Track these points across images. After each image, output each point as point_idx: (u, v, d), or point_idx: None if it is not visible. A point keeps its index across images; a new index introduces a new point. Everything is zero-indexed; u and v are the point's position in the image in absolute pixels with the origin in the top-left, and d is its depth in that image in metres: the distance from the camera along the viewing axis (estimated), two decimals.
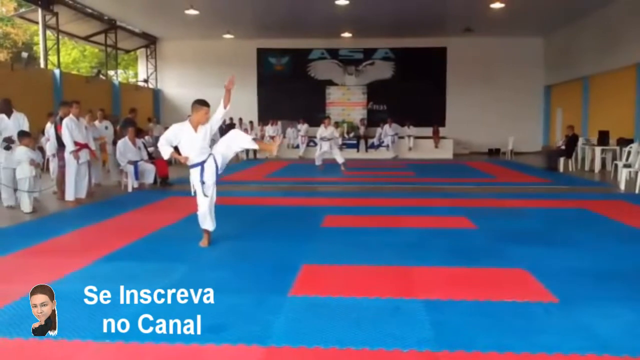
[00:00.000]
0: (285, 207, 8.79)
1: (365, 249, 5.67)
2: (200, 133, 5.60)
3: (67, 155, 8.76)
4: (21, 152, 8.25)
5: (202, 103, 5.64)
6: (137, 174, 10.46)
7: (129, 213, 8.05)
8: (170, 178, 11.43)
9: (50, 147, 9.95)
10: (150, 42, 24.22)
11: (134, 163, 10.45)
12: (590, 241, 6.07)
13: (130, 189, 10.42)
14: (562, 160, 14.41)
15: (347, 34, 22.02)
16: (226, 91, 5.60)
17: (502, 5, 16.24)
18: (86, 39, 20.98)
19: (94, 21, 19.88)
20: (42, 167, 9.49)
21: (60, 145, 9.06)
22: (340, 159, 14.38)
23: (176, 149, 5.72)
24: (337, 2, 16.32)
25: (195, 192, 5.74)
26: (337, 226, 6.97)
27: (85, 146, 8.99)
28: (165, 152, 5.63)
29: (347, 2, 16.32)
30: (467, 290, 4.25)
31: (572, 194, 10.11)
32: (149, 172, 10.62)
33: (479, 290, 4.26)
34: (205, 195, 5.69)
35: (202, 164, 5.62)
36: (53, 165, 10.03)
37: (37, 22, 17.77)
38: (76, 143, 8.75)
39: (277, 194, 10.27)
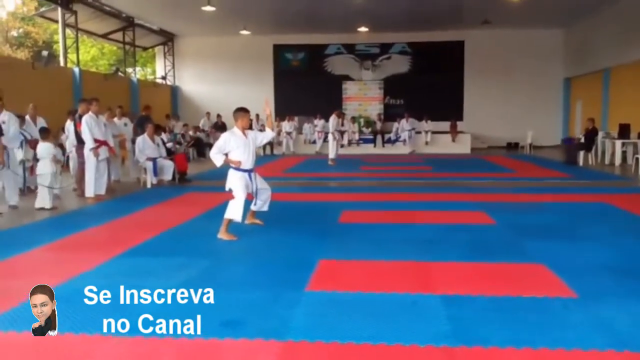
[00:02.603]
0: (303, 202, 8.83)
1: (382, 244, 5.66)
2: (249, 138, 6.13)
3: (87, 152, 8.88)
4: (43, 148, 8.37)
5: (245, 110, 6.20)
6: (156, 171, 10.56)
7: (148, 209, 8.13)
8: (188, 174, 11.53)
9: (69, 143, 10.09)
10: (167, 39, 24.39)
11: (153, 160, 10.55)
12: (610, 236, 5.99)
13: (149, 185, 10.52)
14: (581, 154, 14.22)
15: (363, 29, 21.90)
16: (267, 117, 6.59)
17: None
18: (104, 36, 21.19)
19: (112, 19, 20.08)
20: (62, 164, 9.62)
21: (80, 142, 9.18)
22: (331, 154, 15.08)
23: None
24: None
25: (230, 189, 6.07)
26: (354, 222, 6.97)
27: (105, 143, 9.11)
28: (218, 160, 6.12)
29: None
30: (485, 285, 4.23)
31: (592, 188, 9.97)
32: (168, 168, 10.72)
33: (497, 285, 4.24)
34: (258, 200, 6.29)
35: (249, 172, 6.10)
36: (73, 162, 10.17)
37: (56, 21, 18.05)
38: (96, 140, 8.87)
39: (294, 189, 10.28)
